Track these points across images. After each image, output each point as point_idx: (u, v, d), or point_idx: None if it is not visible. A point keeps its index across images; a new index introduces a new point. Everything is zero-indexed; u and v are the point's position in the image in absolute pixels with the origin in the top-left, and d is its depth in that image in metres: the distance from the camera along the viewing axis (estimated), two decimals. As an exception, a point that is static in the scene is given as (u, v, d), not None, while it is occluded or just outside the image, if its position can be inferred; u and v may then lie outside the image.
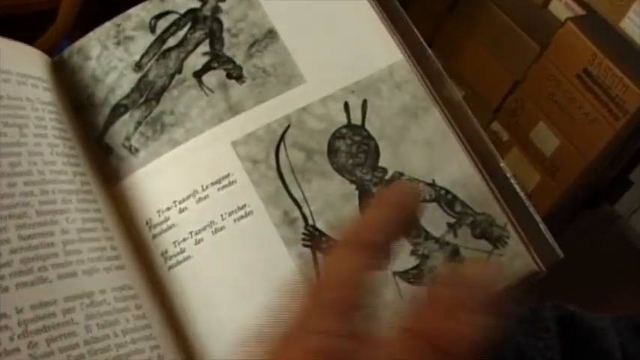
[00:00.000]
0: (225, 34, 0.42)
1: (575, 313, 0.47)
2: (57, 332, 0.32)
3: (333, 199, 0.39)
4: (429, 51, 0.42)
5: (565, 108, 1.62)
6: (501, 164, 0.40)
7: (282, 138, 0.40)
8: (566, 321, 0.46)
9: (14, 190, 0.34)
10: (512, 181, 0.40)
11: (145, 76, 0.41)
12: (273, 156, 0.39)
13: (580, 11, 1.62)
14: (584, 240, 1.74)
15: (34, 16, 1.20)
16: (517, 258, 0.39)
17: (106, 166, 0.40)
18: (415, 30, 0.42)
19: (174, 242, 0.38)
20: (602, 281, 1.57)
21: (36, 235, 0.33)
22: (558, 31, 1.60)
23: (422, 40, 0.42)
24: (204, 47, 0.41)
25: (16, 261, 0.32)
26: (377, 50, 0.42)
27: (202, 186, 0.39)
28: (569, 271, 1.48)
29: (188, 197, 0.39)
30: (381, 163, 0.40)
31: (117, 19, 0.42)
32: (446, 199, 0.39)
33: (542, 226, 0.39)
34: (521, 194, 0.40)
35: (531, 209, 0.40)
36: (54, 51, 1.16)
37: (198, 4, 0.42)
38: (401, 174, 0.40)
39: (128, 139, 0.40)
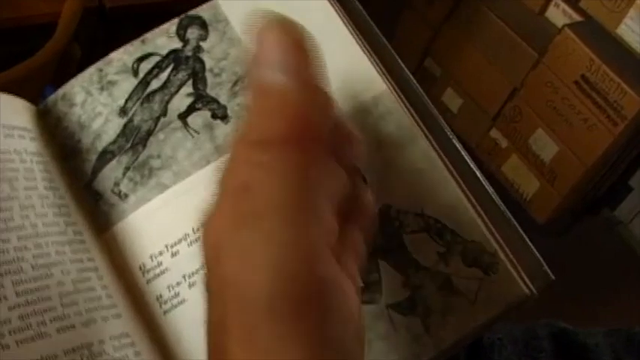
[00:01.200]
0: (207, 74, 0.42)
1: (569, 330, 0.47)
2: None
3: None
4: (414, 80, 0.42)
5: (563, 114, 1.62)
6: (490, 191, 0.40)
7: None
8: (560, 338, 0.46)
9: (8, 245, 0.34)
10: (502, 207, 0.40)
11: (131, 121, 0.41)
12: None
13: (577, 18, 1.62)
14: (585, 246, 1.74)
15: (35, 29, 1.22)
16: (508, 284, 0.39)
17: (96, 212, 0.40)
18: (399, 60, 0.42)
19: (168, 286, 0.38)
20: (603, 287, 1.56)
21: (32, 290, 0.33)
22: (555, 38, 1.61)
23: (406, 69, 0.42)
24: (188, 88, 0.42)
25: (14, 318, 0.32)
26: (360, 82, 0.42)
27: (193, 229, 0.39)
28: (570, 277, 1.47)
29: (180, 241, 0.39)
30: None
31: (99, 64, 0.42)
32: (435, 228, 0.39)
33: (533, 249, 0.39)
34: (512, 220, 0.40)
35: (521, 233, 0.40)
36: (54, 62, 1.17)
37: (179, 45, 0.42)
38: (389, 206, 0.40)
39: (117, 184, 0.40)
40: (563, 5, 1.64)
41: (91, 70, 0.42)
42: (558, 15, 1.66)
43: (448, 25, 1.90)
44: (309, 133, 0.26)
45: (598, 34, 1.54)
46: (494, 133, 1.83)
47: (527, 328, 0.48)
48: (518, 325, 0.49)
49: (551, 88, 1.63)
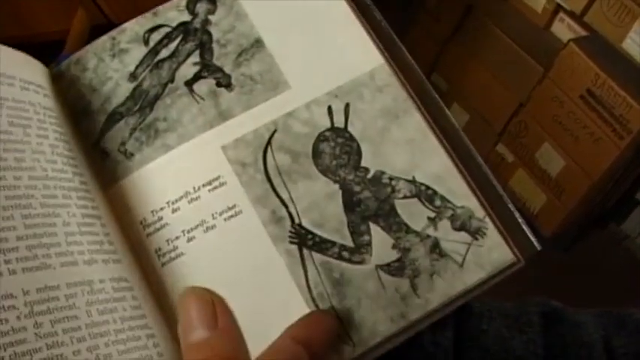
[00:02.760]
0: (214, 45, 0.44)
1: (559, 308, 0.48)
2: (60, 315, 0.33)
3: (317, 199, 0.41)
4: (408, 55, 0.44)
5: (569, 128, 1.63)
6: (480, 161, 0.42)
7: (269, 142, 0.42)
8: (549, 316, 0.47)
9: (19, 182, 0.36)
10: (490, 175, 0.42)
11: (140, 85, 0.43)
12: (261, 159, 0.42)
13: (582, 32, 1.64)
14: (592, 260, 1.74)
15: (44, 46, 1.23)
16: (495, 249, 0.40)
17: (102, 169, 0.42)
18: (394, 35, 0.44)
19: (167, 240, 0.40)
20: (610, 301, 1.56)
21: (40, 224, 0.35)
22: (561, 53, 1.63)
23: (400, 44, 0.44)
24: (195, 58, 0.44)
25: (22, 247, 0.34)
26: (358, 56, 0.44)
27: (194, 187, 0.41)
28: (576, 291, 1.48)
29: (180, 198, 0.41)
30: (363, 163, 0.42)
31: (112, 33, 0.44)
32: (426, 194, 0.41)
33: (519, 218, 0.41)
34: (499, 188, 0.42)
35: (508, 202, 0.41)
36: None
37: (188, 18, 0.45)
38: (382, 172, 0.42)
39: (123, 144, 0.42)
40: (568, 20, 1.66)
41: (104, 38, 0.44)
42: (563, 30, 1.67)
43: (454, 41, 1.92)
44: None
45: (603, 49, 1.56)
46: (501, 148, 1.84)
47: (518, 304, 0.49)
48: (509, 301, 0.50)
49: (557, 103, 1.64)
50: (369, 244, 0.40)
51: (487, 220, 0.41)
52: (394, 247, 0.40)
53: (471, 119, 1.90)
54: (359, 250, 0.40)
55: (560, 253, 1.71)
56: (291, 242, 0.40)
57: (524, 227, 0.41)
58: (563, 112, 1.64)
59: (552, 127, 1.67)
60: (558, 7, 1.67)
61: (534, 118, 1.73)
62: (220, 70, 0.44)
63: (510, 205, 0.41)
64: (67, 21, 1.27)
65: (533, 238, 0.41)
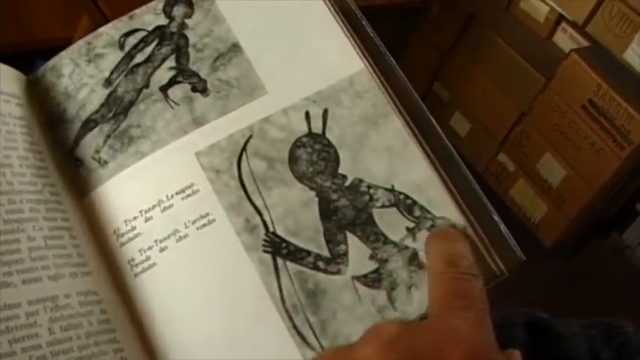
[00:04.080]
0: (190, 49, 0.43)
1: (545, 319, 0.47)
2: (20, 333, 0.33)
3: (293, 206, 0.40)
4: (392, 59, 0.43)
5: (571, 138, 1.62)
6: (464, 170, 0.41)
7: (244, 148, 0.41)
8: (534, 327, 0.46)
9: None
10: (474, 184, 0.40)
11: (114, 91, 0.42)
12: (235, 165, 0.40)
13: (584, 43, 1.63)
14: (593, 269, 1.73)
15: (48, 53, 1.23)
16: (477, 260, 0.39)
17: (76, 178, 0.41)
18: (377, 39, 0.43)
19: (140, 250, 0.39)
20: (611, 310, 1.54)
21: (1, 242, 0.35)
22: (563, 63, 1.62)
23: (384, 48, 0.43)
24: (171, 62, 0.43)
25: None
26: (338, 61, 0.43)
27: (167, 195, 0.40)
28: (577, 301, 1.46)
29: (154, 207, 0.40)
30: (341, 170, 0.41)
31: (88, 38, 0.43)
32: (405, 204, 0.40)
33: (503, 228, 0.40)
34: (483, 197, 0.40)
35: (492, 212, 0.40)
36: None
37: (165, 22, 0.44)
38: (360, 180, 0.40)
39: (98, 152, 0.41)
40: (570, 30, 1.64)
41: (80, 43, 0.43)
42: (565, 40, 1.66)
43: (456, 50, 1.91)
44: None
45: (605, 59, 1.54)
46: (502, 158, 1.83)
47: (503, 315, 0.48)
48: (494, 312, 0.48)
49: (559, 113, 1.63)
50: (345, 254, 0.39)
51: (468, 230, 0.39)
52: (371, 257, 0.39)
53: (473, 128, 1.89)
54: (335, 260, 0.39)
55: (561, 263, 1.70)
56: (265, 251, 0.39)
57: (508, 237, 0.40)
58: (565, 122, 1.62)
59: (554, 137, 1.66)
60: (560, 18, 1.65)
61: (536, 128, 1.72)
62: (196, 74, 0.43)
63: (494, 215, 0.40)
64: (71, 28, 1.26)
65: (516, 248, 0.39)
